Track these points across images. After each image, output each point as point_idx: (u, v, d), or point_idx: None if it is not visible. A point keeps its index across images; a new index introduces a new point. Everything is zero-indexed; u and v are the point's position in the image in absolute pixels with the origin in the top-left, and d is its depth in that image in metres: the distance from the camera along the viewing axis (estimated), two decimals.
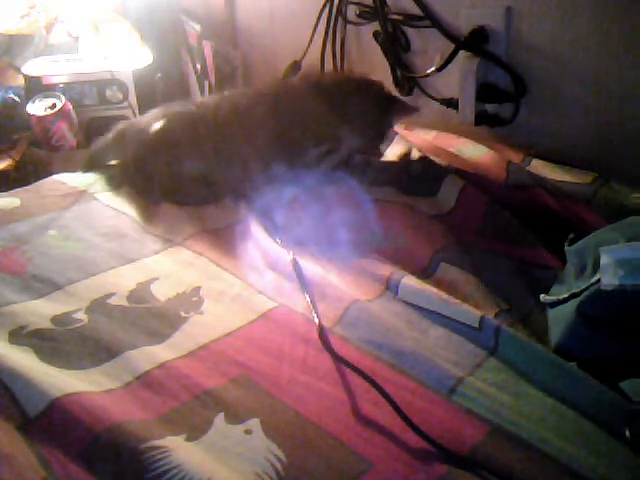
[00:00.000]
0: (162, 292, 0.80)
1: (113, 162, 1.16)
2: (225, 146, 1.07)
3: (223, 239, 0.94)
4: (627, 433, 0.58)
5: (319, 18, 1.42)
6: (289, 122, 1.07)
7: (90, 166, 1.15)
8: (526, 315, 0.78)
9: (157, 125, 1.07)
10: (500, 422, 0.60)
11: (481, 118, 1.17)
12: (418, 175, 1.09)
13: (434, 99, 1.26)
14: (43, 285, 0.81)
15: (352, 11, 1.37)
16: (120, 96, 1.54)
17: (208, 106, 1.11)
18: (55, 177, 1.14)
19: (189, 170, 1.06)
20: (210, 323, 0.75)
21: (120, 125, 1.14)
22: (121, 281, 0.83)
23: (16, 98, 1.56)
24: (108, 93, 1.53)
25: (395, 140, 1.21)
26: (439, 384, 0.65)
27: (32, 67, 1.54)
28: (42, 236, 0.93)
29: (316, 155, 1.09)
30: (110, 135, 1.14)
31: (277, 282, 0.83)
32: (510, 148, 1.14)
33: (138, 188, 1.06)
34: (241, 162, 1.07)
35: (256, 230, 0.94)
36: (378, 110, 1.10)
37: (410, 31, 1.28)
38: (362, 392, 0.64)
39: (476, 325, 0.72)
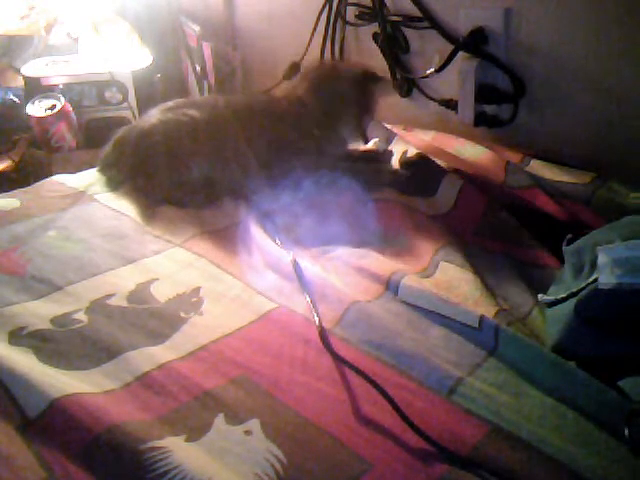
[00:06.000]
0: (162, 293, 0.80)
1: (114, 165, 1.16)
2: (225, 148, 1.08)
3: (223, 240, 0.94)
4: (626, 433, 0.58)
5: (318, 19, 1.42)
6: (288, 128, 1.09)
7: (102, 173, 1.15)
8: (525, 315, 0.78)
9: (158, 128, 1.08)
10: (500, 422, 0.60)
11: (480, 119, 1.18)
12: (413, 174, 1.09)
13: (433, 100, 1.26)
14: (43, 286, 0.81)
15: (351, 12, 1.38)
16: (120, 97, 1.54)
17: (207, 107, 1.11)
18: (54, 178, 1.14)
19: (191, 172, 1.06)
20: (210, 324, 0.75)
21: (121, 130, 1.14)
22: (121, 282, 0.83)
23: (15, 99, 1.56)
24: (107, 94, 1.53)
25: (394, 141, 1.22)
26: (439, 384, 0.65)
27: (32, 68, 1.54)
28: (42, 237, 0.93)
29: (318, 158, 1.11)
30: (112, 141, 1.14)
31: (277, 283, 0.83)
32: (509, 149, 1.14)
33: (138, 189, 1.06)
34: (241, 164, 1.08)
35: (256, 231, 0.94)
36: (362, 93, 1.14)
37: (409, 32, 1.28)
38: (362, 392, 0.64)
39: (476, 325, 0.72)
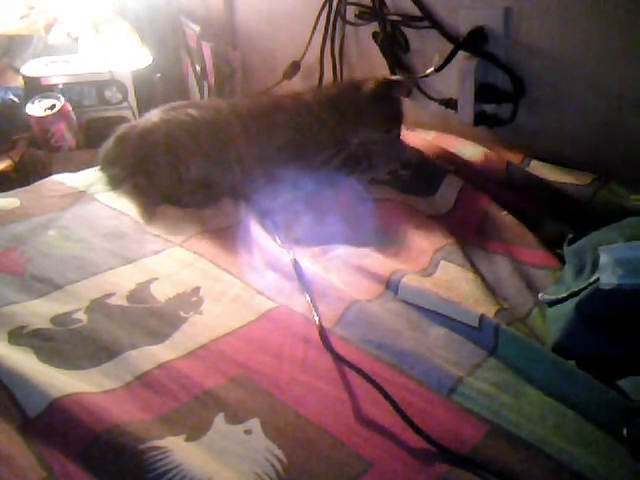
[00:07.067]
0: (162, 292, 0.80)
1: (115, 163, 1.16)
2: (226, 149, 1.08)
3: (223, 240, 0.94)
4: (625, 432, 0.58)
5: (318, 19, 1.42)
6: (302, 135, 1.10)
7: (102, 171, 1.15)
8: (525, 314, 0.78)
9: (159, 127, 1.08)
10: (500, 422, 0.60)
11: (480, 118, 1.18)
12: (413, 174, 1.09)
13: (433, 99, 1.26)
14: (42, 285, 0.81)
15: (351, 12, 1.38)
16: (119, 97, 1.54)
17: (209, 109, 1.11)
18: (54, 177, 1.14)
19: (190, 172, 1.06)
20: (210, 323, 0.75)
21: (122, 128, 1.14)
22: (121, 281, 0.83)
23: (15, 99, 1.56)
24: (107, 94, 1.53)
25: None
26: (439, 384, 0.65)
27: (31, 68, 1.54)
28: (42, 236, 0.93)
29: (323, 158, 1.10)
30: (112, 138, 1.14)
31: (277, 282, 0.83)
32: (509, 149, 1.14)
33: (139, 188, 1.07)
34: (241, 164, 1.08)
35: (256, 230, 0.94)
36: (385, 101, 1.14)
37: (409, 32, 1.28)
38: (362, 392, 0.64)
39: (476, 325, 0.72)
